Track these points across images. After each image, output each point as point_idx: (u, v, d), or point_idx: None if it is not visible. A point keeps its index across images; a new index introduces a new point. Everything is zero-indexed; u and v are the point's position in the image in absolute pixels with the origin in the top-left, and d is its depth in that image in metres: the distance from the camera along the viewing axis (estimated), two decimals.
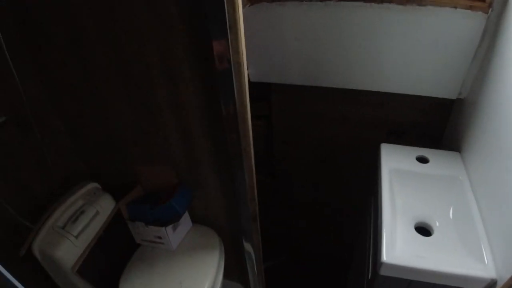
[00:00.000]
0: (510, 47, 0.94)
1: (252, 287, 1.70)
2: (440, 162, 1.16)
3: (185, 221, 1.43)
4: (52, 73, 1.18)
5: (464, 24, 1.06)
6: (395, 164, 1.17)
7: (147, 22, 0.96)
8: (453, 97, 1.21)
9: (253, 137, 1.10)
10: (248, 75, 1.35)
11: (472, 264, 0.88)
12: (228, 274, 1.63)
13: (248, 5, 1.21)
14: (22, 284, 0.84)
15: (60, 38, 1.07)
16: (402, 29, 1.12)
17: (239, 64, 0.92)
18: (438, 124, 1.34)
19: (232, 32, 0.87)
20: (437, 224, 1.02)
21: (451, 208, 1.06)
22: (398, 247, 0.93)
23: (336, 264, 1.95)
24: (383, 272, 0.90)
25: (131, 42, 1.01)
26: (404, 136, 1.40)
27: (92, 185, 1.35)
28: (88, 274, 1.24)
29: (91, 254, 1.23)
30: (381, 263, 0.88)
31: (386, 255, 0.88)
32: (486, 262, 0.87)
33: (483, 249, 0.89)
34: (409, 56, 1.17)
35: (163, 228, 1.29)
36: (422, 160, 1.19)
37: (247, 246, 1.43)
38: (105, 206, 1.31)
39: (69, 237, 1.18)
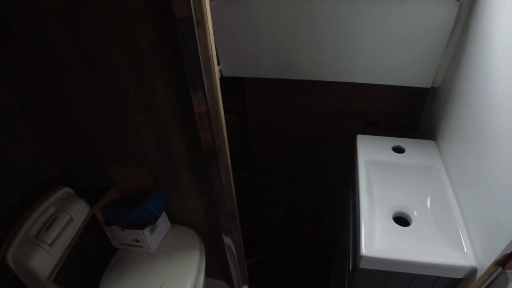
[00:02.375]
0: (482, 35, 0.94)
1: (236, 284, 1.69)
2: (416, 151, 1.17)
3: (163, 222, 1.40)
4: (18, 75, 1.12)
5: (437, 12, 1.06)
6: (371, 155, 1.16)
7: (112, 19, 0.92)
8: (428, 85, 1.21)
9: (228, 133, 1.08)
10: (220, 70, 1.32)
11: (451, 253, 0.88)
12: (211, 272, 1.62)
13: None
14: None
15: (25, 39, 1.02)
16: (374, 19, 1.11)
17: (208, 59, 0.89)
18: (414, 113, 1.34)
19: (199, 26, 0.84)
20: (415, 213, 1.02)
21: (429, 197, 1.06)
22: (377, 239, 0.93)
23: (318, 258, 1.96)
24: (362, 265, 0.89)
25: (97, 41, 0.97)
26: (381, 126, 1.40)
27: (65, 190, 1.30)
28: (65, 283, 1.20)
29: (67, 262, 1.19)
30: (361, 256, 0.87)
31: (365, 248, 0.88)
32: (466, 250, 0.87)
33: (462, 238, 0.90)
34: (382, 46, 1.16)
35: (140, 231, 1.26)
36: (398, 150, 1.19)
37: (228, 244, 1.41)
38: (79, 211, 1.27)
39: (43, 246, 1.13)
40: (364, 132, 1.27)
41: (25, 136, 1.25)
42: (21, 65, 1.09)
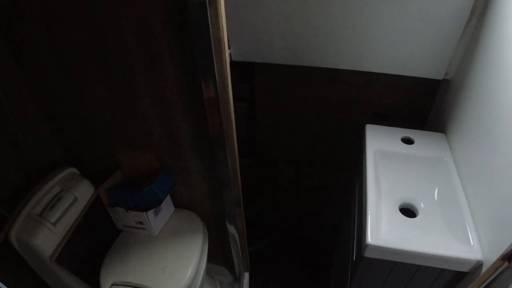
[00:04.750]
0: (498, 27, 0.92)
1: (237, 271, 1.70)
2: (425, 143, 1.15)
3: (167, 206, 1.40)
4: (26, 55, 1.11)
5: (452, 3, 1.04)
6: (380, 145, 1.15)
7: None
8: (440, 77, 1.19)
9: (235, 119, 1.07)
10: (230, 54, 1.30)
11: (457, 246, 0.87)
12: (213, 258, 1.62)
13: None
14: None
15: (33, 18, 1.01)
16: (389, 7, 1.09)
17: (219, 40, 0.88)
18: (424, 105, 1.32)
19: (211, 6, 0.82)
20: (422, 205, 1.01)
21: (436, 190, 1.05)
22: (383, 229, 0.92)
23: (320, 246, 1.96)
24: (367, 254, 0.89)
25: (106, 21, 0.96)
26: (389, 118, 1.38)
27: (70, 171, 1.30)
28: (67, 262, 1.20)
29: (70, 241, 1.19)
30: (366, 245, 0.87)
31: (371, 237, 0.87)
32: (472, 243, 0.86)
33: (469, 231, 0.89)
34: (396, 35, 1.14)
35: (144, 213, 1.26)
36: (407, 141, 1.17)
37: (232, 230, 1.41)
38: (84, 192, 1.27)
39: (47, 224, 1.13)
40: (372, 122, 1.26)
41: (32, 117, 1.25)
42: (29, 43, 1.07)
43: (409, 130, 1.21)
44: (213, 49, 0.88)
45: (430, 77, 1.20)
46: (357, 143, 1.30)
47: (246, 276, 1.71)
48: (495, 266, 0.80)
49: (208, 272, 1.41)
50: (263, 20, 1.20)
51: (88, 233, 1.30)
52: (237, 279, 1.73)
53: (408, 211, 1.02)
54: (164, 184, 1.28)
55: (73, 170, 1.32)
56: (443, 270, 0.89)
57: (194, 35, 0.87)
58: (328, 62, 1.26)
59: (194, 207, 1.45)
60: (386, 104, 1.35)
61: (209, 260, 1.39)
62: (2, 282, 0.86)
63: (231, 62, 1.27)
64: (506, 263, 0.79)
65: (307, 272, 1.90)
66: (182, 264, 1.26)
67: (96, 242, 1.36)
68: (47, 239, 1.13)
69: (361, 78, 1.29)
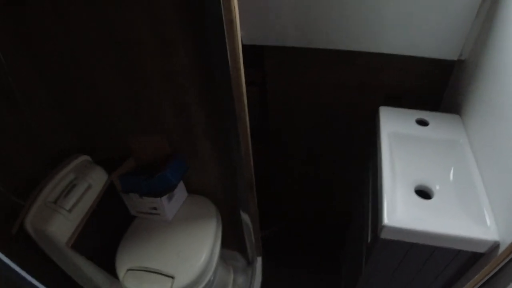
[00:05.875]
0: None
1: (250, 255, 1.71)
2: (440, 125, 1.14)
3: (180, 191, 1.41)
4: (36, 42, 1.11)
5: None
6: (395, 127, 1.14)
7: None
8: (454, 58, 1.17)
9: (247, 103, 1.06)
10: (241, 37, 1.29)
11: (474, 227, 0.86)
12: (225, 243, 1.63)
13: None
14: (17, 263, 0.81)
15: (42, 3, 1.00)
16: None
17: (231, 22, 0.87)
18: (438, 87, 1.30)
19: None
20: (437, 187, 1.00)
21: (452, 171, 1.04)
22: (398, 210, 0.92)
23: (332, 230, 1.96)
24: (384, 235, 0.88)
25: (116, 5, 0.95)
26: (403, 101, 1.36)
27: (83, 158, 1.31)
28: (83, 249, 1.22)
29: (85, 228, 1.21)
30: (383, 226, 0.86)
31: (388, 218, 0.87)
32: (489, 224, 0.85)
33: (485, 212, 0.88)
34: (409, 15, 1.11)
35: (158, 198, 1.27)
36: (422, 123, 1.16)
37: (244, 215, 1.42)
38: (98, 178, 1.28)
39: (62, 212, 1.15)
40: (386, 105, 1.24)
41: (44, 105, 1.25)
42: (39, 30, 1.07)
43: (423, 111, 1.19)
44: (225, 32, 0.87)
45: (445, 58, 1.18)
46: (370, 127, 1.29)
47: (259, 260, 1.73)
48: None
49: (221, 257, 1.42)
50: (274, 1, 1.18)
51: (102, 219, 1.31)
52: (250, 263, 1.74)
53: (423, 193, 1.01)
54: (177, 169, 1.28)
55: (86, 157, 1.33)
56: (459, 251, 0.89)
57: (206, 17, 0.86)
58: (341, 44, 1.24)
59: (207, 192, 1.46)
60: (400, 86, 1.33)
61: (222, 245, 1.40)
62: (21, 269, 0.87)
63: (242, 46, 1.26)
64: None
65: (318, 256, 1.91)
66: (197, 249, 1.27)
67: (111, 228, 1.37)
68: (63, 226, 1.14)
69: (375, 60, 1.27)
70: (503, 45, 0.94)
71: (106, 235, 1.35)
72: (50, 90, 1.24)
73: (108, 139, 1.36)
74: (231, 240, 1.66)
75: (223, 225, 1.44)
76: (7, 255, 0.78)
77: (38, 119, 1.22)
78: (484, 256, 0.88)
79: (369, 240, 1.05)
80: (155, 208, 1.32)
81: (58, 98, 1.27)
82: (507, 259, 0.82)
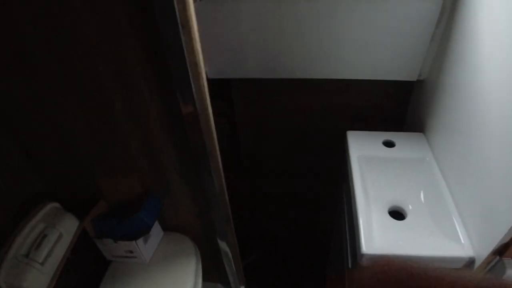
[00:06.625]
0: (468, 27, 0.95)
1: (232, 285, 1.68)
2: (406, 145, 1.18)
3: (156, 230, 1.37)
4: None
5: (421, 6, 1.06)
6: (363, 150, 1.17)
7: (93, 28, 0.88)
8: (413, 79, 1.22)
9: (217, 135, 1.06)
10: (205, 72, 1.29)
11: (449, 245, 0.89)
12: (206, 276, 1.59)
13: None
14: None
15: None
16: (359, 15, 1.11)
17: (195, 64, 0.87)
18: (400, 106, 1.35)
19: (185, 31, 0.81)
20: (410, 207, 1.03)
21: (422, 190, 1.07)
22: (375, 235, 0.93)
23: (313, 251, 1.96)
24: (364, 263, 0.89)
25: (77, 52, 0.93)
26: (368, 121, 1.40)
27: (52, 206, 1.25)
28: None
29: (61, 279, 1.15)
30: (362, 255, 0.87)
31: (366, 246, 0.88)
32: (462, 241, 0.88)
33: (458, 228, 0.91)
34: (368, 41, 1.16)
35: (134, 242, 1.23)
36: (389, 144, 1.19)
37: (224, 247, 1.40)
38: (68, 226, 1.23)
39: (35, 265, 1.09)
40: (352, 126, 1.27)
41: (7, 152, 1.20)
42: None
43: (389, 133, 1.23)
44: (190, 74, 0.87)
45: (404, 79, 1.23)
46: (339, 149, 1.32)
47: None
48: (487, 261, 0.83)
49: None
50: (237, 37, 1.20)
51: (78, 268, 1.26)
52: None
53: (397, 213, 1.04)
54: (151, 210, 1.25)
55: (55, 204, 1.27)
56: None
57: (169, 62, 0.86)
58: (303, 73, 1.27)
59: (183, 228, 1.43)
60: (364, 108, 1.37)
61: (203, 278, 1.37)
62: None
63: (207, 80, 1.26)
64: (497, 257, 0.81)
65: (302, 278, 1.90)
66: None
67: (87, 275, 1.31)
68: (37, 280, 1.08)
69: (337, 85, 1.31)
70: (458, 65, 0.99)
71: (83, 284, 1.30)
72: (14, 136, 1.19)
73: (77, 183, 1.31)
74: (212, 272, 1.63)
75: (202, 259, 1.41)
76: None
77: (3, 167, 1.16)
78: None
79: (349, 265, 1.06)
80: (131, 252, 1.28)
81: (22, 143, 1.21)
82: (483, 272, 0.85)
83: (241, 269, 1.62)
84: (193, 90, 0.90)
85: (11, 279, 1.06)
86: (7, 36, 0.93)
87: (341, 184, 1.35)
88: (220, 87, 1.40)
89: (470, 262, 0.87)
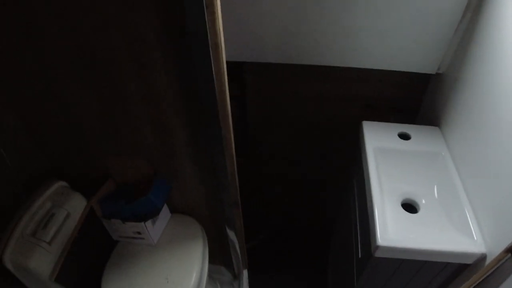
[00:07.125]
0: (493, 22, 0.93)
1: (236, 269, 1.69)
2: (421, 138, 1.17)
3: (164, 212, 1.37)
4: (3, 63, 1.04)
5: None
6: (379, 142, 1.16)
7: (111, 6, 0.85)
8: (432, 72, 1.20)
9: None
10: None
11: (461, 240, 0.89)
12: (211, 258, 1.60)
13: None
14: None
15: (10, 22, 0.93)
16: (381, 2, 1.07)
17: (216, 45, 0.85)
18: (415, 98, 1.33)
19: (208, 11, 0.79)
20: (423, 201, 1.03)
21: (436, 184, 1.07)
22: (389, 228, 0.93)
23: (317, 238, 1.98)
24: (378, 254, 0.89)
25: (93, 25, 0.90)
26: (381, 109, 1.39)
27: (59, 184, 1.24)
28: (67, 280, 1.16)
29: (68, 258, 1.14)
30: (377, 247, 0.87)
31: (381, 239, 0.88)
32: (475, 237, 0.88)
33: (470, 223, 0.91)
34: (388, 30, 1.13)
35: (142, 223, 1.22)
36: (404, 136, 1.18)
37: (230, 231, 1.40)
38: (76, 206, 1.22)
39: (42, 245, 1.08)
40: (364, 116, 1.26)
41: (14, 130, 1.17)
42: (6, 52, 1.00)
43: (404, 125, 1.22)
44: (211, 55, 0.85)
45: (423, 72, 1.21)
46: (350, 138, 1.31)
47: (245, 273, 1.71)
48: (499, 258, 0.82)
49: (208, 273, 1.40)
50: (255, 19, 1.17)
51: (85, 247, 1.25)
52: (236, 277, 1.73)
53: (409, 207, 1.03)
54: (160, 192, 1.24)
55: (62, 183, 1.26)
56: (448, 263, 0.92)
57: (191, 42, 0.83)
58: (320, 60, 1.24)
59: (191, 211, 1.43)
60: (378, 98, 1.36)
61: (208, 261, 1.37)
62: None
63: None
64: (509, 255, 0.81)
65: (304, 265, 1.92)
66: (185, 272, 1.24)
67: (94, 255, 1.31)
68: (44, 260, 1.08)
69: (353, 74, 1.29)
70: (481, 60, 0.97)
71: (90, 263, 1.29)
72: (20, 114, 1.17)
73: (85, 162, 1.30)
74: (217, 255, 1.64)
75: (208, 242, 1.41)
76: None
77: (10, 145, 1.14)
78: (471, 266, 0.91)
79: (359, 255, 1.06)
80: (139, 233, 1.27)
81: (29, 121, 1.19)
82: (493, 269, 0.85)
83: (245, 253, 1.63)
84: (213, 71, 0.88)
85: (17, 258, 1.05)
86: (18, 9, 0.90)
87: (351, 174, 1.35)
88: (232, 70, 1.37)
89: (482, 258, 0.87)
